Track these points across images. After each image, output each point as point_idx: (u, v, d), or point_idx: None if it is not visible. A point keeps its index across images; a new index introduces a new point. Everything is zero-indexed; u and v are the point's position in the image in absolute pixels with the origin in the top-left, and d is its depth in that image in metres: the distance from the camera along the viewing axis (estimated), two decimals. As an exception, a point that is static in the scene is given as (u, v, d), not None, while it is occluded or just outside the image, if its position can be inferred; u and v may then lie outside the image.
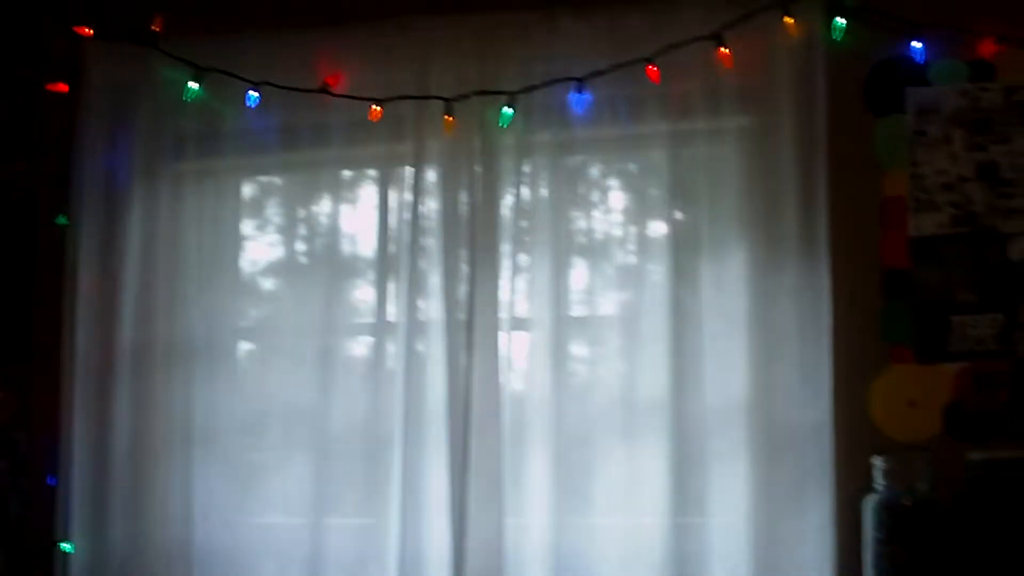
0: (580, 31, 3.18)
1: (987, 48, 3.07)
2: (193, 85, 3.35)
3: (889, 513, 2.81)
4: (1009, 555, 2.79)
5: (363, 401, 3.24)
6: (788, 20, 3.05)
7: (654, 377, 3.08)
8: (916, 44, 3.08)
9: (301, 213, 3.43)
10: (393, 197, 3.31)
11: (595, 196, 3.26)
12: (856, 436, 3.02)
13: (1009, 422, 3.00)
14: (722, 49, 3.08)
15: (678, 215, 3.14)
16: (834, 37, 3.08)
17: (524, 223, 3.19)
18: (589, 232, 3.22)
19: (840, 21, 3.08)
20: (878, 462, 2.88)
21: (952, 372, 3.04)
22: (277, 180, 3.55)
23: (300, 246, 3.42)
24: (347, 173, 3.41)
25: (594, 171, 3.30)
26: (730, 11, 3.09)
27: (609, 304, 3.19)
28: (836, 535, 2.96)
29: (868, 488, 2.89)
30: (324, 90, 3.30)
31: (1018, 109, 3.06)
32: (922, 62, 3.08)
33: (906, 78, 3.10)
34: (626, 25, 3.15)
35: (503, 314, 3.17)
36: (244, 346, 3.54)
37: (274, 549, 3.29)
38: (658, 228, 3.16)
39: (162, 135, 3.45)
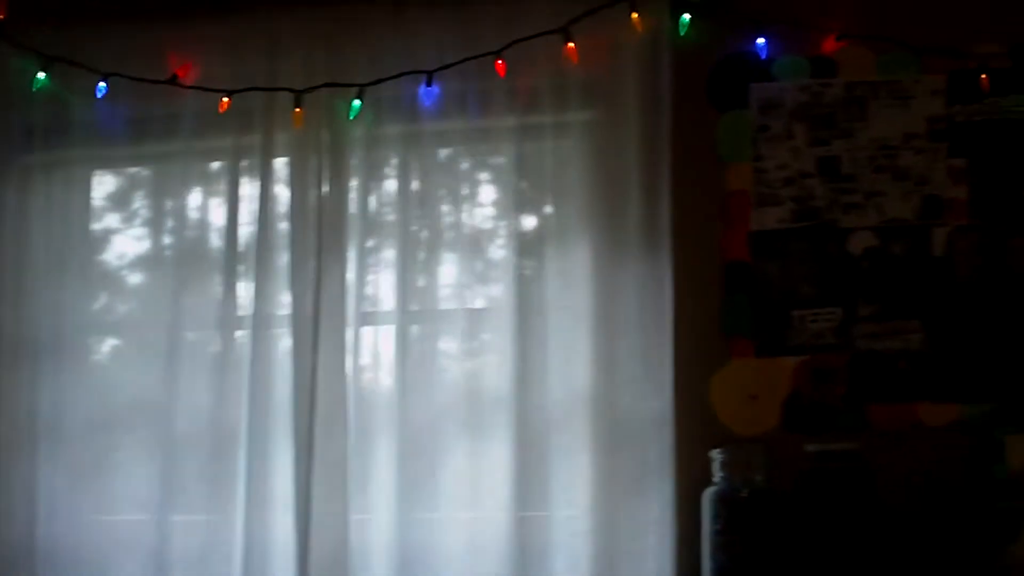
0: (429, 24, 3.19)
1: (829, 45, 3.13)
2: (41, 75, 3.30)
3: (726, 505, 2.85)
4: (841, 544, 2.81)
5: (210, 396, 3.22)
6: (634, 16, 3.06)
7: (499, 371, 3.08)
8: (760, 40, 3.11)
9: (153, 205, 3.38)
10: (243, 189, 3.27)
11: (447, 189, 3.23)
12: (697, 429, 3.05)
13: (845, 415, 3.03)
14: (569, 44, 3.07)
15: (525, 209, 3.13)
16: (679, 33, 3.11)
17: (372, 216, 3.16)
18: (452, 225, 3.21)
19: (685, 17, 3.11)
20: (716, 454, 2.90)
21: (791, 366, 3.09)
22: (129, 171, 3.50)
23: (154, 239, 3.37)
24: (197, 165, 3.35)
25: (450, 164, 3.28)
26: (577, 6, 3.11)
27: (458, 299, 3.17)
28: (676, 527, 2.99)
29: (708, 480, 2.90)
30: (173, 81, 3.28)
31: (858, 104, 3.10)
32: (765, 58, 3.12)
33: (750, 74, 3.15)
34: (475, 19, 3.16)
35: (350, 308, 3.13)
36: (102, 341, 3.49)
37: (119, 547, 3.24)
38: (508, 222, 3.13)
39: (10, 127, 3.38)
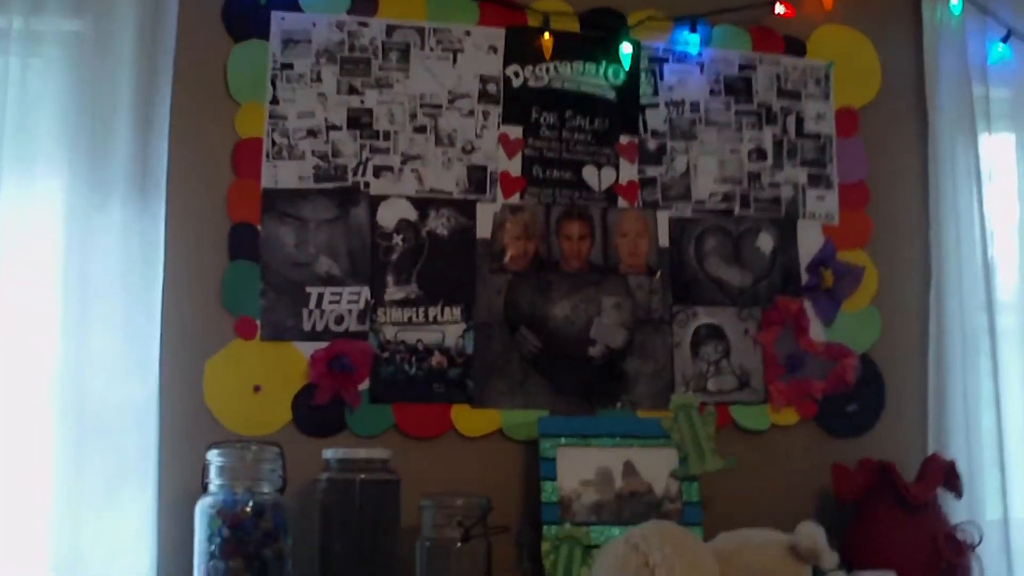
0: None
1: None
2: None
3: (225, 520, 2.33)
4: (362, 566, 2.37)
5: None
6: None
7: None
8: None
9: None
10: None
11: None
12: (190, 423, 2.57)
13: (368, 415, 2.67)
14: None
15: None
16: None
17: None
18: None
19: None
20: (213, 457, 2.37)
21: (306, 353, 2.64)
22: None
23: None
24: None
25: None
26: None
27: None
28: (160, 544, 2.50)
29: (203, 488, 2.36)
30: None
31: (401, 51, 2.74)
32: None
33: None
34: None
35: None
36: None
37: None
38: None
39: None
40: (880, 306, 2.91)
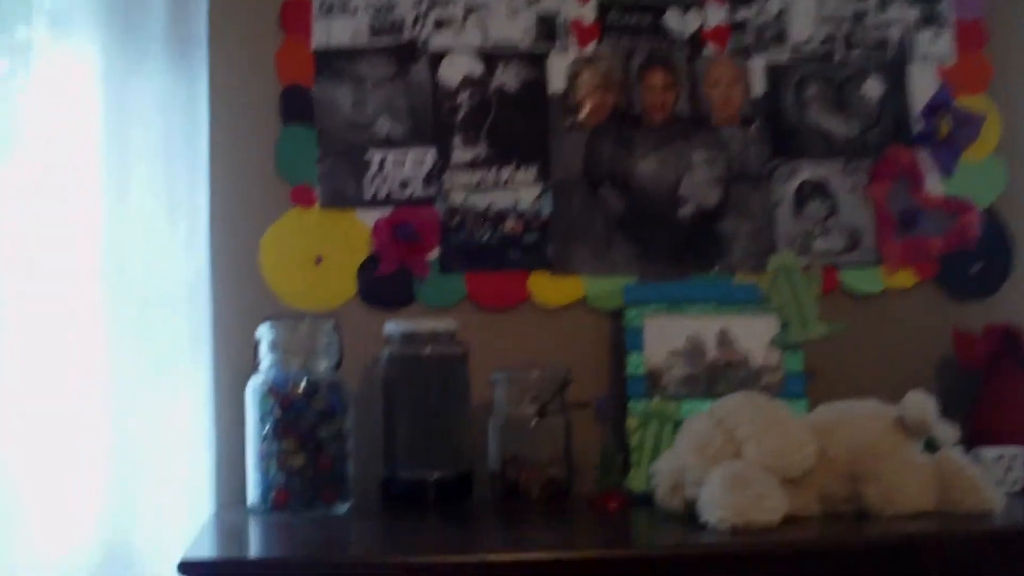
0: None
1: None
2: None
3: (277, 399, 2.17)
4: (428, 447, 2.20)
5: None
6: None
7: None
8: None
9: None
10: None
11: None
12: (247, 299, 2.42)
13: (437, 286, 2.49)
14: None
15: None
16: None
17: None
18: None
19: None
20: (264, 332, 2.22)
21: (369, 221, 2.47)
22: None
23: None
24: None
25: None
26: None
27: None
28: (216, 427, 2.38)
29: (255, 367, 2.20)
30: None
31: None
32: None
33: None
34: None
35: None
36: None
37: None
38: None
39: None
40: (1005, 156, 2.62)
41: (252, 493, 2.19)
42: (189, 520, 2.24)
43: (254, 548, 2.01)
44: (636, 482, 2.29)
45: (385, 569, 1.77)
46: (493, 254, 2.50)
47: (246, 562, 1.83)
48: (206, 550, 1.88)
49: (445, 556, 1.81)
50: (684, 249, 2.55)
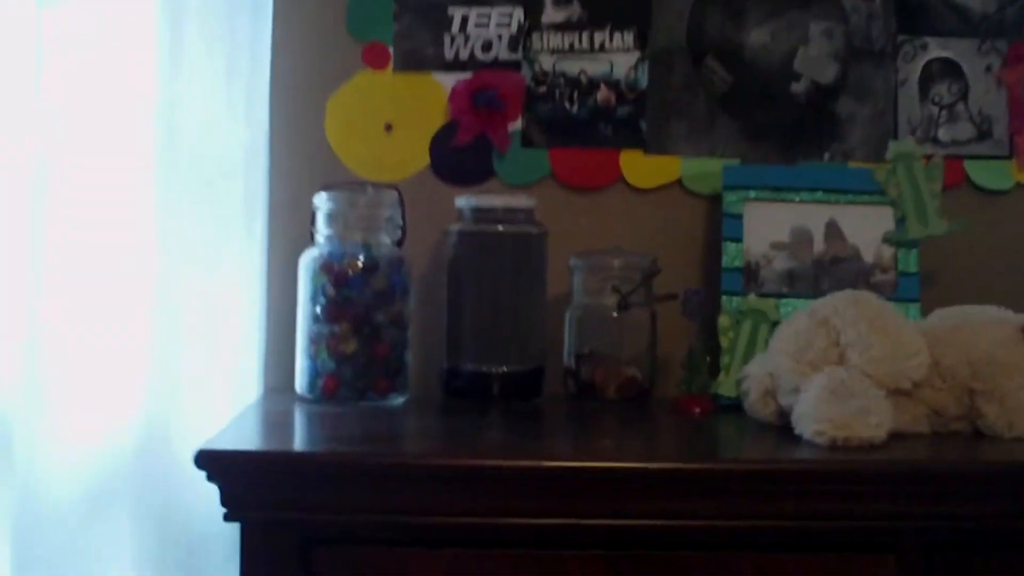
0: None
1: None
2: None
3: (330, 276, 1.97)
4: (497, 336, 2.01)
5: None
6: None
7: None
8: None
9: None
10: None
11: None
12: (309, 167, 2.24)
13: (518, 160, 2.30)
14: None
15: None
16: None
17: None
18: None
19: None
20: (321, 202, 2.05)
21: (447, 86, 2.27)
22: None
23: None
24: None
25: None
26: None
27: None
28: (268, 303, 2.22)
29: (311, 239, 2.02)
30: None
31: None
32: None
33: None
34: None
35: None
36: None
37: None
38: None
39: None
40: None
41: (300, 380, 1.99)
42: (233, 405, 2.05)
43: (291, 440, 1.82)
44: (724, 387, 2.09)
45: (438, 471, 1.57)
46: (581, 128, 2.29)
47: (274, 455, 1.63)
48: (230, 441, 1.68)
49: (507, 460, 1.62)
50: (794, 130, 2.32)
